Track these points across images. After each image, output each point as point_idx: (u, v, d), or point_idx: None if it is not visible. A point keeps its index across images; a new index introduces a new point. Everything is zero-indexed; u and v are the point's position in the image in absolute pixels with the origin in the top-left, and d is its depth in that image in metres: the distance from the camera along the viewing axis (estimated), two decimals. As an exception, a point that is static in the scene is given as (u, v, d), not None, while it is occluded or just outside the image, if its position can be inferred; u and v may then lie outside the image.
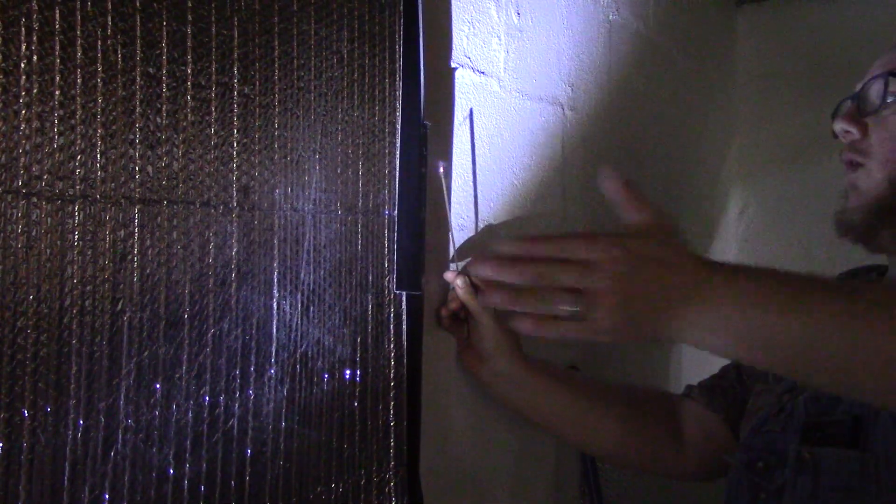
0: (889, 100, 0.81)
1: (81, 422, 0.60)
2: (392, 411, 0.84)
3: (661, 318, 0.61)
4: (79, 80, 0.60)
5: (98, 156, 0.61)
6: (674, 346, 1.50)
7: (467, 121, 0.97)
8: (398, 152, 0.85)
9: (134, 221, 0.63)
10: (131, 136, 0.63)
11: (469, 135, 0.97)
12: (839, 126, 0.86)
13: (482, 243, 0.99)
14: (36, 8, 0.57)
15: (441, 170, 0.90)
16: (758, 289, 0.60)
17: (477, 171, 0.97)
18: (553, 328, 0.64)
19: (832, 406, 0.78)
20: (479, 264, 0.68)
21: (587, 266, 0.61)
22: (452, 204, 0.94)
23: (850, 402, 0.76)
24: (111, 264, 0.62)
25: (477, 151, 0.99)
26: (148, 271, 0.64)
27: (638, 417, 1.01)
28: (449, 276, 0.92)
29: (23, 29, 0.56)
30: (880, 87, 0.82)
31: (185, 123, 0.67)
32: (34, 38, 0.57)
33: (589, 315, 0.62)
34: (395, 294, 0.85)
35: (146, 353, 0.64)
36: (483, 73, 1.00)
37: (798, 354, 0.58)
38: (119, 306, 0.62)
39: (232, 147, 0.70)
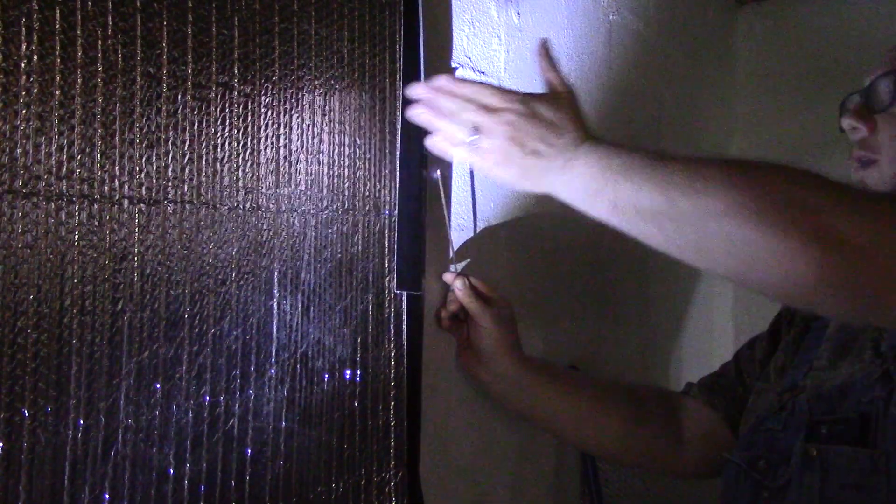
0: None
1: (82, 421, 0.60)
2: (392, 411, 0.84)
3: (536, 169, 0.75)
4: (79, 80, 0.60)
5: (98, 156, 0.61)
6: (673, 345, 1.51)
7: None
8: (399, 153, 0.85)
9: (134, 221, 0.63)
10: (131, 136, 0.63)
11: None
12: (847, 122, 0.85)
13: (482, 244, 0.99)
14: (36, 7, 0.57)
15: (438, 172, 0.90)
16: (620, 162, 0.70)
17: (474, 173, 0.97)
18: (452, 149, 0.79)
19: (836, 404, 0.78)
20: (413, 88, 0.81)
21: (491, 110, 0.75)
22: (452, 204, 0.95)
23: (856, 399, 0.76)
24: (111, 264, 0.62)
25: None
26: (148, 271, 0.64)
27: (638, 416, 1.01)
28: (448, 277, 0.91)
29: (23, 29, 0.57)
30: (889, 84, 0.81)
31: (185, 123, 0.67)
32: (34, 38, 0.57)
33: (480, 145, 0.76)
34: (395, 294, 0.85)
35: (146, 353, 0.64)
36: (483, 73, 1.00)
37: (650, 222, 0.68)
38: (119, 306, 0.62)
39: (232, 147, 0.70)
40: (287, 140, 0.75)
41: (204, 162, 0.68)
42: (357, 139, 0.81)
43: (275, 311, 0.74)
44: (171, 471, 0.66)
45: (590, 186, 0.72)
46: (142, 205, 0.64)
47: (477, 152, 0.76)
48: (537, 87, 1.10)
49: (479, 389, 0.98)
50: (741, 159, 0.69)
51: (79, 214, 0.60)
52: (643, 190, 0.67)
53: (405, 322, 0.86)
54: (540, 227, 1.10)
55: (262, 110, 0.73)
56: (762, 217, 0.62)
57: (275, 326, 0.74)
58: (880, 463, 0.71)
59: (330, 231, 0.79)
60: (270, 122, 0.73)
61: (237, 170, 0.71)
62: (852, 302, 0.64)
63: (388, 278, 0.84)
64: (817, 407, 0.79)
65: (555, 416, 1.00)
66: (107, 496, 0.62)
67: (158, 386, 0.65)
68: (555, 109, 0.76)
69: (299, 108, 0.76)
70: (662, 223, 0.67)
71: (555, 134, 0.74)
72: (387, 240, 0.84)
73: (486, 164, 0.77)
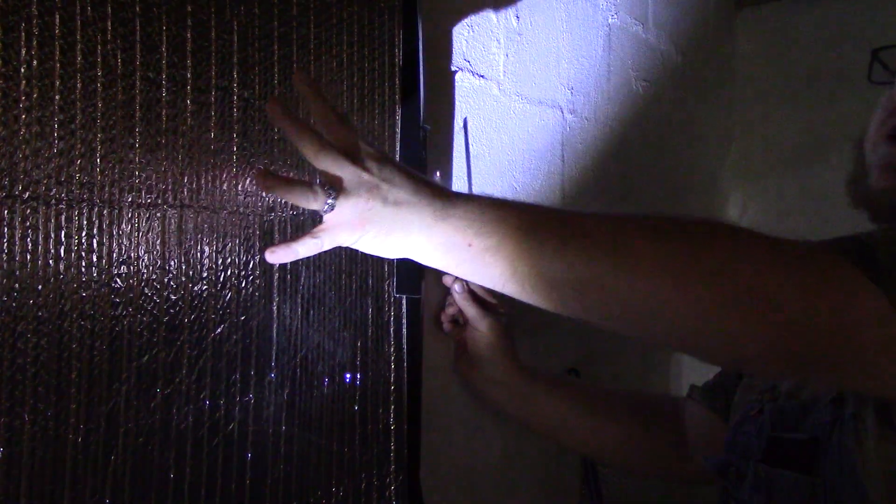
0: None
1: (82, 426, 0.60)
2: (392, 415, 0.84)
3: (397, 223, 0.60)
4: (79, 85, 0.60)
5: (98, 160, 0.61)
6: (673, 352, 1.50)
7: (469, 124, 0.97)
8: (398, 156, 0.85)
9: (134, 226, 0.63)
10: (131, 141, 0.63)
11: (464, 142, 0.97)
12: None
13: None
14: (36, 13, 0.57)
15: (438, 174, 0.90)
16: (516, 213, 0.59)
17: (472, 178, 0.97)
18: (292, 251, 0.61)
19: (796, 421, 0.74)
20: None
21: (341, 158, 0.59)
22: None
23: (813, 421, 0.73)
24: (111, 268, 0.62)
25: (476, 155, 0.99)
26: (148, 275, 0.64)
27: (639, 420, 1.00)
28: (447, 279, 0.91)
29: (23, 34, 0.57)
30: None
31: (184, 128, 0.67)
32: (34, 43, 0.57)
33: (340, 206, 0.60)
34: (394, 298, 0.85)
35: (146, 357, 0.64)
36: (483, 76, 1.00)
37: (563, 289, 0.59)
38: (119, 310, 0.62)
39: (231, 151, 0.70)
40: (286, 144, 0.75)
41: (204, 166, 0.68)
42: (356, 143, 0.81)
43: (274, 315, 0.74)
44: (172, 475, 0.66)
45: (467, 242, 0.59)
46: (141, 209, 0.64)
47: (335, 216, 0.60)
48: (537, 88, 1.10)
49: (475, 395, 0.98)
50: (661, 215, 0.61)
51: (78, 219, 0.60)
52: (557, 251, 0.57)
53: (405, 326, 0.86)
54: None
55: (262, 114, 0.73)
56: (702, 279, 0.55)
57: (274, 330, 0.74)
58: (820, 492, 0.68)
59: (330, 235, 0.79)
60: (270, 127, 0.73)
61: (237, 174, 0.71)
62: (786, 366, 0.61)
63: (387, 282, 0.84)
64: (779, 421, 0.76)
65: (551, 423, 0.99)
66: (108, 501, 0.61)
67: (158, 390, 0.65)
68: (391, 177, 0.61)
69: (299, 113, 0.76)
70: (583, 290, 0.57)
71: (413, 181, 0.60)
72: (386, 243, 0.84)
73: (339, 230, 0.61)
